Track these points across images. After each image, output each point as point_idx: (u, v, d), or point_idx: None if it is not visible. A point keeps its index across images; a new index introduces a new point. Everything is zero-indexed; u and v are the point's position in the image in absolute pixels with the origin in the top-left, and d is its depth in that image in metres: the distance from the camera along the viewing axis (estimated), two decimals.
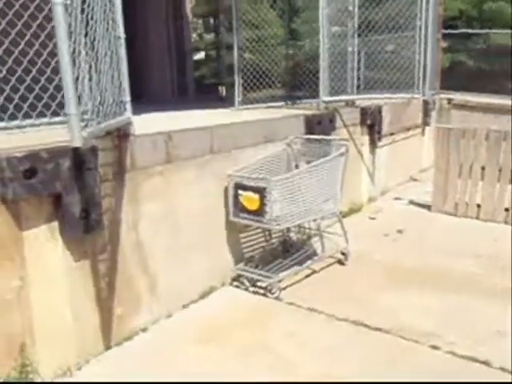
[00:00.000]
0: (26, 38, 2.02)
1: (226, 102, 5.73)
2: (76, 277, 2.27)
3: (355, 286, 3.19)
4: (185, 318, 2.82)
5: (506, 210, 4.35)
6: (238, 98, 4.99)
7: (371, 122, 4.91)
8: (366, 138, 5.02)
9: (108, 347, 2.47)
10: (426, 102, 6.50)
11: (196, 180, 2.96)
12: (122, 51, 2.36)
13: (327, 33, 4.24)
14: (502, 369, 2.19)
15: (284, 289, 3.10)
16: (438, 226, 4.41)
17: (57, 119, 1.94)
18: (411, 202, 5.14)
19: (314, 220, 3.29)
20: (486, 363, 2.22)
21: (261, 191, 2.83)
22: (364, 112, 4.81)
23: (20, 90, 1.94)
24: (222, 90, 10.14)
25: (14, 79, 1.93)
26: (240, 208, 2.99)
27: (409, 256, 3.68)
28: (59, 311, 2.21)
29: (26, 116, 2.08)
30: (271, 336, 2.59)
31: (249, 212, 2.94)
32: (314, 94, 4.59)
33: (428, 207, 4.84)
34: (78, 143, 1.77)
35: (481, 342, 2.41)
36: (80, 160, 2.07)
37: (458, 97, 7.40)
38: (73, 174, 2.06)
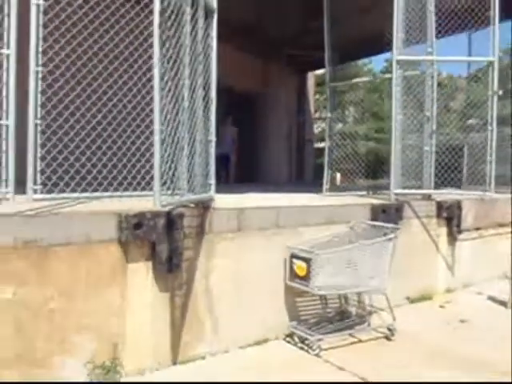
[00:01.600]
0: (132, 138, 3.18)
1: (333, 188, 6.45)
2: (159, 303, 3.18)
3: (389, 358, 3.52)
4: (238, 357, 3.50)
5: None
6: (325, 185, 5.81)
7: (448, 216, 5.22)
8: (444, 230, 5.32)
9: (174, 363, 3.27)
10: None
11: (262, 247, 3.76)
12: (212, 150, 3.41)
13: (399, 134, 4.87)
14: None
15: (326, 349, 3.60)
16: (505, 322, 4.41)
17: (143, 193, 2.99)
18: (490, 298, 5.15)
19: (359, 294, 3.79)
20: None
21: (308, 261, 3.51)
22: (440, 205, 5.18)
23: (123, 172, 3.07)
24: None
25: (120, 165, 3.07)
26: (294, 274, 3.68)
27: (459, 344, 3.84)
28: (143, 326, 3.12)
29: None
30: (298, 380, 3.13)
31: (299, 278, 3.62)
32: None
33: (505, 304, 4.84)
34: (157, 208, 2.76)
35: None
36: (171, 221, 3.07)
37: None
38: (165, 230, 3.05)
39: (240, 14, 8.57)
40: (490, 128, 4.69)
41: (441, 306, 4.88)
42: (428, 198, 5.24)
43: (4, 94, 2.58)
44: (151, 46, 2.88)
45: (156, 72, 2.58)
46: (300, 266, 3.59)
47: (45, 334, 2.76)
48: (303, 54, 9.30)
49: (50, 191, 2.79)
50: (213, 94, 3.45)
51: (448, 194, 5.24)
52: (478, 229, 5.79)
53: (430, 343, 3.84)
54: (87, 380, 2.90)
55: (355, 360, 3.45)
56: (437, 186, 5.57)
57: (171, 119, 2.84)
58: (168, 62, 3.05)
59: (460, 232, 5.40)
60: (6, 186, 2.61)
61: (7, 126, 2.57)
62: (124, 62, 3.15)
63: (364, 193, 5.57)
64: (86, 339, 2.90)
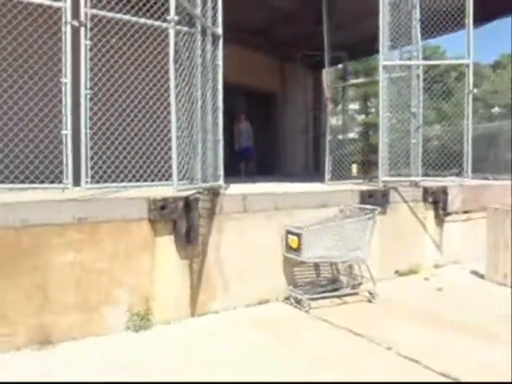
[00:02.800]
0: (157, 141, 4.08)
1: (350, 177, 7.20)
2: (180, 268, 4.10)
3: (366, 315, 4.33)
4: (244, 312, 4.38)
5: None
6: (327, 175, 6.61)
7: (434, 200, 5.92)
8: (431, 213, 6.03)
9: (193, 315, 4.19)
10: None
11: (264, 226, 4.62)
12: (220, 148, 4.28)
13: (386, 131, 5.61)
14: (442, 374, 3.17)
15: (316, 308, 4.43)
16: (478, 291, 5.12)
17: (165, 183, 3.90)
18: (472, 272, 5.83)
19: (349, 265, 4.62)
20: (416, 362, 3.28)
21: (299, 236, 4.35)
22: (426, 191, 5.89)
23: (150, 167, 3.98)
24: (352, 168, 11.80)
25: (148, 162, 3.99)
26: (289, 247, 4.53)
27: (430, 306, 4.60)
28: (168, 285, 4.05)
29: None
30: (290, 329, 3.99)
31: (293, 249, 4.46)
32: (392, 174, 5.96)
33: (483, 276, 5.53)
34: (177, 193, 3.66)
35: (428, 355, 3.42)
36: (188, 204, 3.98)
37: None
38: (183, 211, 3.96)
39: (255, 20, 9.39)
40: (466, 122, 5.36)
41: (425, 279, 5.62)
42: (415, 184, 5.96)
43: (63, 112, 3.53)
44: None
45: (172, 93, 3.45)
46: (293, 240, 4.43)
47: (96, 288, 3.73)
48: (315, 54, 10.00)
49: (97, 182, 3.74)
50: (220, 103, 4.32)
51: (433, 182, 5.93)
52: (466, 212, 6.44)
53: (406, 305, 4.62)
54: (128, 325, 3.85)
55: (337, 315, 4.27)
56: (444, 174, 6.28)
57: (186, 127, 3.73)
58: (183, 80, 3.94)
59: (447, 214, 6.09)
60: (67, 178, 3.57)
61: (66, 135, 3.52)
62: (150, 82, 4.06)
63: (359, 181, 6.32)
64: (126, 293, 3.85)
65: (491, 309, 4.46)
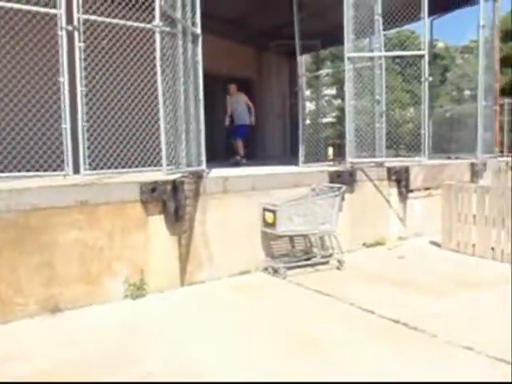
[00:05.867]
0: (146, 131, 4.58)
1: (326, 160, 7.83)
2: (170, 243, 4.64)
3: (334, 279, 4.96)
4: (228, 281, 4.96)
5: (492, 248, 5.57)
6: (301, 158, 7.18)
7: (397, 178, 6.57)
8: (395, 190, 6.67)
9: (182, 285, 4.75)
10: (472, 164, 7.78)
11: (243, 204, 5.19)
12: (202, 136, 4.80)
13: (352, 117, 6.19)
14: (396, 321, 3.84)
15: (291, 276, 5.04)
16: (433, 257, 5.81)
17: (155, 168, 4.42)
18: (431, 242, 6.53)
19: (314, 234, 5.22)
20: (372, 312, 3.91)
21: (274, 212, 4.93)
22: (389, 170, 6.52)
23: (142, 153, 4.49)
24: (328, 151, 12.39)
25: (138, 151, 4.49)
26: (265, 222, 5.11)
27: (390, 270, 5.26)
28: (160, 258, 4.59)
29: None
30: (267, 291, 4.59)
31: (269, 225, 5.05)
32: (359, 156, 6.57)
33: (439, 245, 6.23)
34: (164, 177, 4.19)
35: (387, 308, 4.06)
36: (175, 186, 4.50)
37: None
38: (171, 192, 4.48)
39: (232, 11, 9.81)
40: (422, 107, 5.97)
41: (389, 249, 6.29)
42: (380, 165, 6.58)
43: (62, 107, 3.99)
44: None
45: (159, 88, 3.95)
46: (269, 216, 5.01)
47: (96, 262, 4.25)
48: (289, 43, 10.49)
49: (94, 169, 4.23)
50: (200, 95, 4.82)
51: (397, 162, 6.57)
52: (427, 189, 7.12)
53: (369, 271, 5.27)
54: (126, 294, 4.39)
55: (310, 280, 4.89)
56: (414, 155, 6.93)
57: (172, 117, 4.24)
58: (167, 75, 4.43)
59: (409, 191, 6.74)
60: (67, 166, 4.06)
61: (66, 129, 4.00)
62: (138, 78, 4.54)
63: (330, 163, 6.92)
64: (123, 266, 4.38)
65: (442, 271, 5.14)
